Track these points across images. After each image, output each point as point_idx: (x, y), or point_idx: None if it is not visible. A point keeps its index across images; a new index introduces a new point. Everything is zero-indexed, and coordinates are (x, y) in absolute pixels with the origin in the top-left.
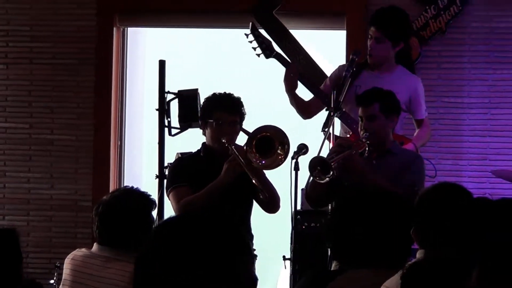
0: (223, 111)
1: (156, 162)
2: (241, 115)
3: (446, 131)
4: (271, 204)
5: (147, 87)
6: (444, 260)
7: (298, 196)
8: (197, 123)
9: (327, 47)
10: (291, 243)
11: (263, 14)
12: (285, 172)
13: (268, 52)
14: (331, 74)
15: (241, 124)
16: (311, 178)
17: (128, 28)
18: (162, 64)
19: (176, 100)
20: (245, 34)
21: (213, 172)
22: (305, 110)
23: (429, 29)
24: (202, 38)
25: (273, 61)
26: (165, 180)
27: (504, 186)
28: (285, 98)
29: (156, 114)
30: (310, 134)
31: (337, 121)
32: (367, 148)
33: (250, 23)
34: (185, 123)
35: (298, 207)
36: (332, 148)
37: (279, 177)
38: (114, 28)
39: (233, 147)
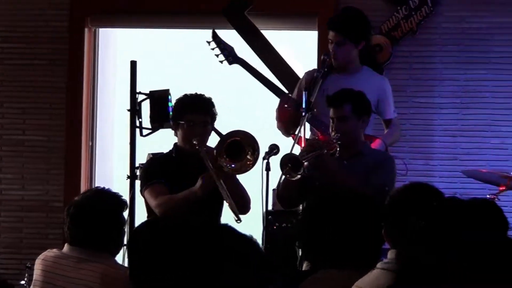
0: (194, 112)
1: (127, 162)
2: (212, 116)
3: (417, 131)
4: (241, 205)
5: (119, 88)
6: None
7: (269, 197)
8: (168, 123)
9: (299, 48)
10: (262, 243)
11: (234, 14)
12: (256, 172)
13: (230, 58)
14: (300, 83)
15: (212, 125)
16: (283, 177)
17: (100, 29)
18: (133, 64)
19: (148, 100)
20: (207, 42)
21: (185, 173)
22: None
23: (400, 30)
24: (173, 39)
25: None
26: (138, 181)
27: (474, 186)
28: (256, 98)
29: (127, 114)
30: (282, 135)
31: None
32: (338, 149)
33: (211, 31)
34: (157, 124)
35: (269, 208)
36: (303, 147)
37: (250, 178)
38: (86, 29)
39: (203, 149)
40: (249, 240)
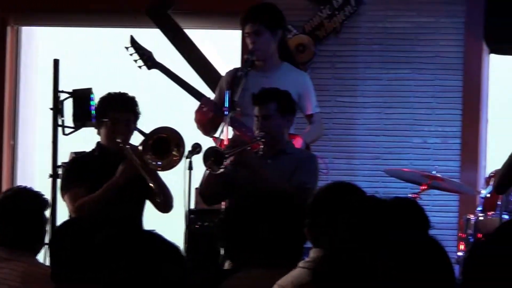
0: (117, 110)
1: (49, 161)
2: (135, 115)
3: (340, 130)
4: (164, 203)
5: (41, 86)
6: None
7: (192, 195)
8: (91, 122)
9: (222, 47)
10: (184, 242)
11: (157, 14)
12: (179, 171)
13: (149, 63)
14: (221, 83)
15: (135, 124)
16: (206, 173)
17: (22, 27)
18: (56, 63)
19: (70, 99)
20: (125, 47)
21: (108, 172)
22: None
23: (324, 29)
24: (96, 38)
25: (168, 60)
26: (60, 181)
27: (396, 185)
28: (180, 98)
29: (50, 113)
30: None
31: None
32: (261, 147)
33: (130, 36)
34: (79, 123)
35: (192, 206)
36: (227, 144)
37: (173, 176)
38: (8, 27)
39: (128, 147)
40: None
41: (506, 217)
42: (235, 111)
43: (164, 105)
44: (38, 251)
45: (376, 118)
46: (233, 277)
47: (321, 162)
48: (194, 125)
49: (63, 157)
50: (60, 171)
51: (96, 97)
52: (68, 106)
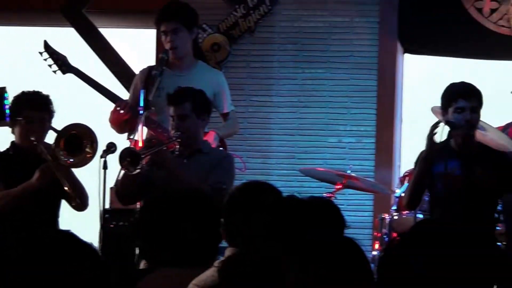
0: (31, 109)
1: None
2: (50, 113)
3: (255, 129)
4: (80, 201)
5: None
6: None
7: (107, 195)
8: (4, 121)
9: (137, 46)
10: (99, 242)
11: (71, 12)
12: (94, 170)
13: (64, 68)
14: (135, 82)
15: (50, 122)
16: (122, 173)
17: None
18: None
19: None
20: (39, 53)
21: (22, 171)
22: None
23: (239, 28)
24: (10, 36)
25: (83, 59)
26: None
27: (312, 185)
28: (94, 97)
29: None
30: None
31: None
32: (177, 147)
33: (43, 41)
34: None
35: (107, 206)
36: (143, 144)
37: (87, 176)
38: None
39: (41, 145)
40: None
41: (420, 216)
42: (149, 111)
43: (79, 104)
44: None
45: (291, 118)
46: (148, 276)
47: (239, 161)
48: (109, 124)
49: None
50: None
51: (10, 96)
52: None
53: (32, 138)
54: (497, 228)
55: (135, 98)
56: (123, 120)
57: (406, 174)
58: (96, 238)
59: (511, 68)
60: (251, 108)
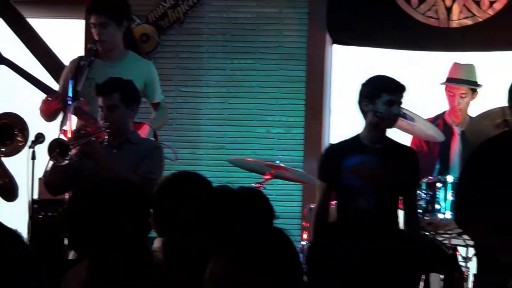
0: None
1: None
2: None
3: (184, 120)
4: (9, 192)
5: None
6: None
7: (35, 186)
8: None
9: (65, 37)
10: (28, 232)
11: None
12: (22, 160)
13: None
14: (65, 73)
15: None
16: (51, 163)
17: None
18: None
19: None
20: None
21: None
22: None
23: (168, 19)
24: None
25: (14, 48)
26: None
27: (240, 175)
28: (25, 86)
29: None
30: (49, 124)
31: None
32: (106, 137)
33: None
34: None
35: (35, 197)
36: (72, 134)
37: (16, 166)
38: None
39: None
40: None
41: None
42: (79, 101)
43: (7, 94)
44: None
45: (220, 108)
46: (77, 267)
47: (170, 151)
48: (38, 113)
49: None
50: None
51: None
52: None
53: None
54: (425, 218)
55: (64, 88)
56: (53, 110)
57: None
58: (24, 229)
59: (440, 59)
60: (180, 98)
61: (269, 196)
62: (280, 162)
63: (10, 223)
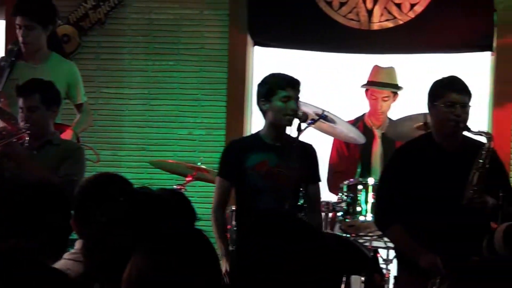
0: None
1: None
2: None
3: (106, 121)
4: None
5: None
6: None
7: None
8: None
9: None
10: None
11: None
12: None
13: None
14: None
15: None
16: None
17: None
18: None
19: None
20: None
21: None
22: None
23: (89, 20)
24: None
25: None
26: None
27: (162, 177)
28: None
29: None
30: None
31: None
32: (27, 138)
33: None
34: None
35: None
36: None
37: None
38: None
39: None
40: None
41: None
42: None
43: None
44: None
45: (141, 110)
46: None
47: (92, 153)
48: None
49: None
50: None
51: None
52: None
53: None
54: (347, 220)
55: None
56: None
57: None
58: None
59: (361, 62)
60: (101, 100)
61: (190, 198)
62: (201, 164)
63: None
